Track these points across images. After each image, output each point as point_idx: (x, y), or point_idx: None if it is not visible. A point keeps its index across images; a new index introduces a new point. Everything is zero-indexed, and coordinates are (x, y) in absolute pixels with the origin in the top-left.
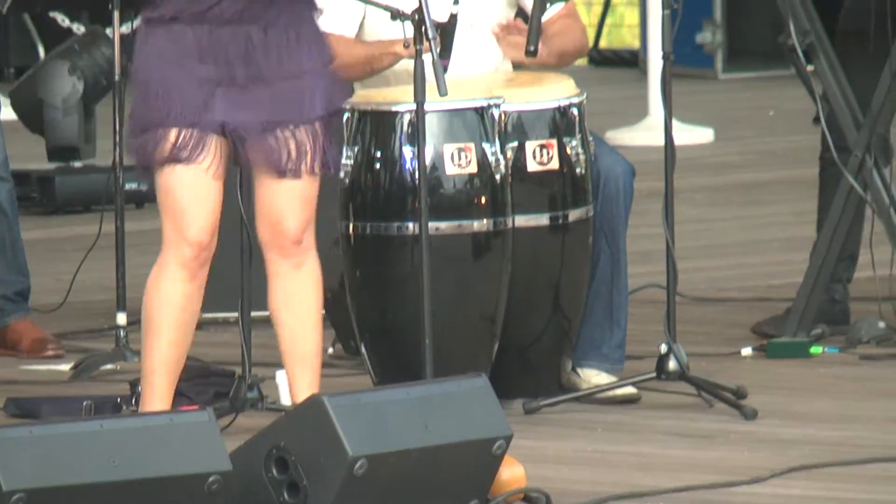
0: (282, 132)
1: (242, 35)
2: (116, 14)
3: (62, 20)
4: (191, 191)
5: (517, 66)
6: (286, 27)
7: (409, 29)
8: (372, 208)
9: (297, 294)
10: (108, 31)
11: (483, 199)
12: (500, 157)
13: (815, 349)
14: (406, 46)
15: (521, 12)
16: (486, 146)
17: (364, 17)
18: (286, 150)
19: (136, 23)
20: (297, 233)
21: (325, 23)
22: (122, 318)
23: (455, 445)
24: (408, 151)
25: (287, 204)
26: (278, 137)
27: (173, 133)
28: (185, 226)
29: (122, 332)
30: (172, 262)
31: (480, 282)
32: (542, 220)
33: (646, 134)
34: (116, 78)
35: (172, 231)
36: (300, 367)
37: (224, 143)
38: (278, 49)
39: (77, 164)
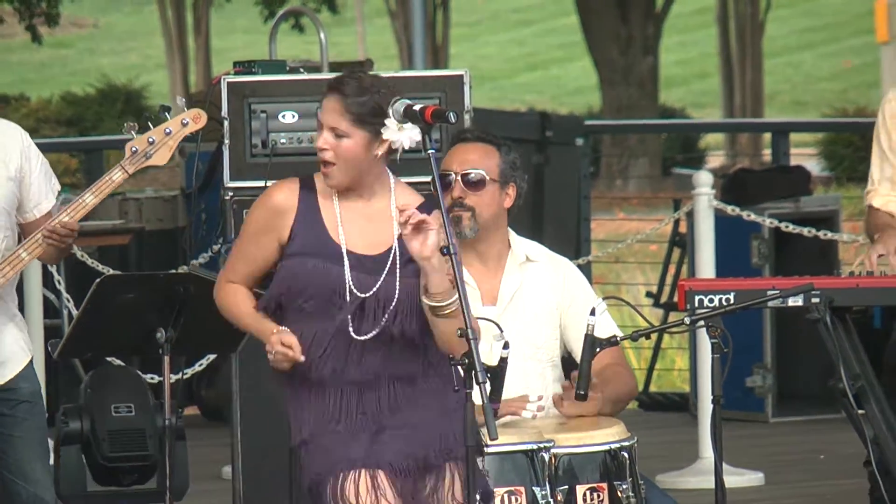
0: None
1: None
2: (167, 360)
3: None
4: None
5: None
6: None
7: (460, 369)
8: None
9: None
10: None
11: None
12: (551, 500)
13: None
14: (456, 390)
15: (567, 353)
16: (536, 490)
17: None
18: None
19: (189, 371)
20: None
21: None
22: None
23: None
24: None
25: None
26: None
27: None
28: None
29: None
30: None
31: None
32: None
33: (696, 478)
34: (167, 422)
35: None
36: None
37: None
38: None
39: None
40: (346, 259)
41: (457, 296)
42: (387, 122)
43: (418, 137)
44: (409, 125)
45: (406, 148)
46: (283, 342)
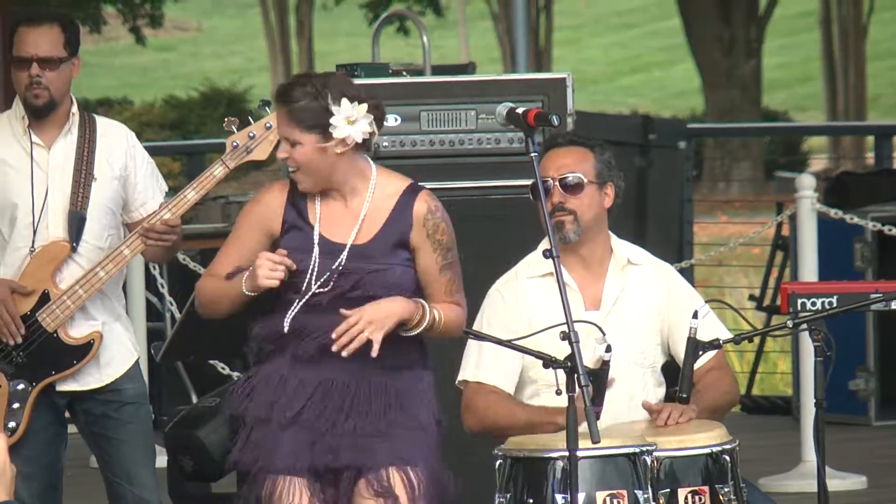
0: None
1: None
2: None
3: (222, 368)
4: None
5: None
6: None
7: (561, 376)
8: None
9: None
10: None
11: None
12: (653, 503)
13: None
14: (558, 393)
15: (669, 359)
16: (638, 493)
17: (522, 364)
18: None
19: None
20: None
21: (482, 374)
22: None
23: None
24: (560, 499)
25: None
26: None
27: None
28: None
29: None
30: None
31: None
32: None
33: (799, 481)
34: None
35: None
36: None
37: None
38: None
39: None
40: (316, 247)
41: (421, 316)
42: (332, 120)
43: (369, 129)
44: (358, 119)
45: (359, 141)
46: (267, 258)
